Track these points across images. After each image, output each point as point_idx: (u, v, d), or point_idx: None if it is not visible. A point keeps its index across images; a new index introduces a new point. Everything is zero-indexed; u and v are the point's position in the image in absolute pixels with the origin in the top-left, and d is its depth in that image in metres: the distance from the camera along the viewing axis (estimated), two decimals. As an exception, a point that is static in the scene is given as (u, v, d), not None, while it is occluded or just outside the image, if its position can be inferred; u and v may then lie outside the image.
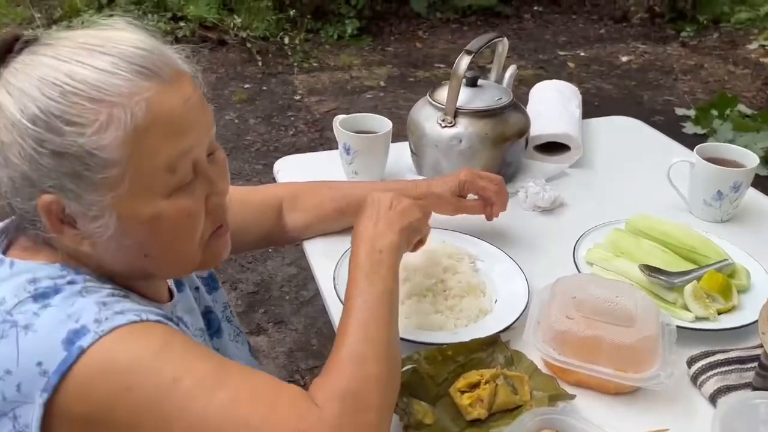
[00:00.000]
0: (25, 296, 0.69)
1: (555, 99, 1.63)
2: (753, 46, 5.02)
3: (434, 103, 1.39)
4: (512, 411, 0.89)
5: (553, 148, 1.52)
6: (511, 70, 1.53)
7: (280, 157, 1.59)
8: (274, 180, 1.51)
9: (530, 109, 1.57)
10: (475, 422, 0.88)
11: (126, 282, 0.77)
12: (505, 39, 1.49)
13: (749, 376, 0.93)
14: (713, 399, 0.91)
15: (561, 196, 1.37)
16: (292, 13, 5.02)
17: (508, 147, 1.38)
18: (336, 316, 1.00)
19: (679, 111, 4.01)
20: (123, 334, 0.67)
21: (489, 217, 1.21)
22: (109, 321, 0.67)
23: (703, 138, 3.56)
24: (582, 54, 5.02)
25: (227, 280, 2.61)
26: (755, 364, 0.92)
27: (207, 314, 0.99)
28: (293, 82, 4.40)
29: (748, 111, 3.82)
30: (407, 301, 1.06)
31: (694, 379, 0.94)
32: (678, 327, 0.97)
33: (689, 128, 3.76)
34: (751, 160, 1.31)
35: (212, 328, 1.00)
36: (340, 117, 1.43)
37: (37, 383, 0.65)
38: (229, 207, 0.83)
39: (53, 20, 4.94)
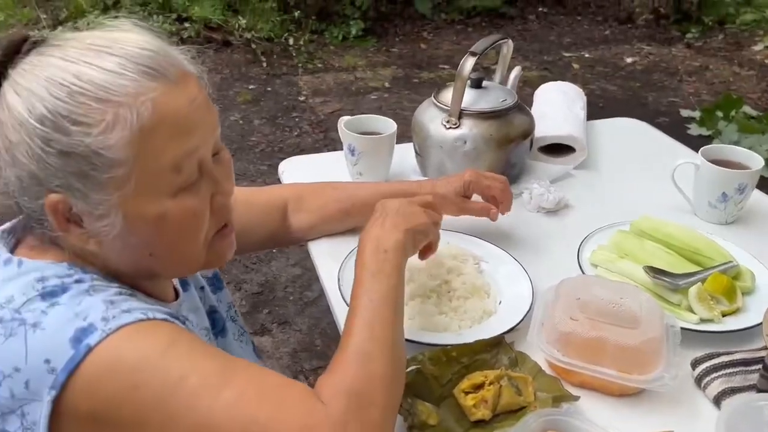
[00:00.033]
0: (34, 294, 0.70)
1: (560, 100, 1.63)
2: (758, 47, 5.01)
3: (439, 104, 1.39)
4: (516, 412, 0.89)
5: (557, 149, 1.52)
6: (516, 71, 1.53)
7: (285, 158, 1.59)
8: (278, 181, 1.51)
9: (535, 110, 1.57)
10: (479, 423, 0.88)
11: (132, 281, 0.78)
12: (510, 40, 1.49)
13: (754, 378, 0.93)
14: (717, 401, 0.91)
15: (565, 198, 1.37)
16: (296, 14, 5.03)
17: (512, 148, 1.38)
18: (340, 317, 1.01)
19: (684, 112, 4.01)
20: (130, 332, 0.68)
21: (493, 218, 1.21)
22: (116, 319, 0.68)
23: (708, 140, 3.56)
24: (587, 55, 5.02)
25: (232, 280, 2.61)
26: (760, 366, 0.92)
27: (212, 313, 1.00)
28: (298, 83, 4.41)
29: (754, 112, 3.81)
30: (411, 302, 1.06)
31: (699, 380, 0.94)
32: (682, 329, 0.97)
33: (694, 130, 3.76)
34: (756, 161, 1.31)
35: (217, 327, 1.00)
36: (345, 118, 1.43)
37: (45, 381, 0.66)
38: (233, 208, 0.83)
39: (59, 21, 4.96)
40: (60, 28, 0.76)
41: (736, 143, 3.23)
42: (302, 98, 4.20)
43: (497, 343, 0.97)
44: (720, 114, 3.74)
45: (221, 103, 3.98)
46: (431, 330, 1.02)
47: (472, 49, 1.34)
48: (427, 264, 1.12)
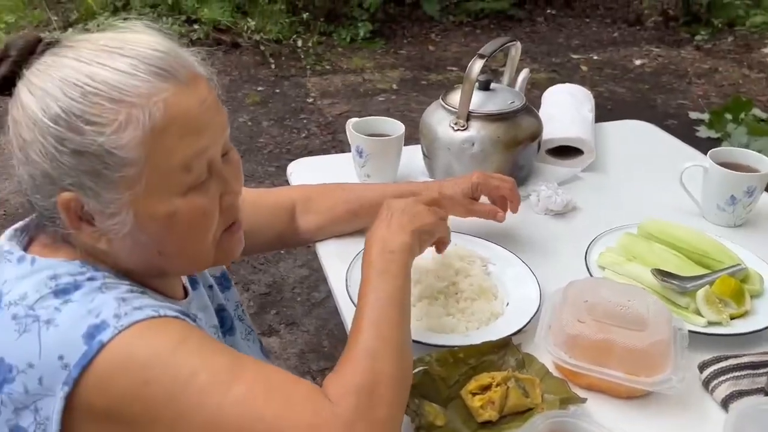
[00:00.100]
0: (47, 292, 0.71)
1: (568, 102, 1.63)
2: (768, 50, 4.99)
3: (447, 106, 1.39)
4: (523, 413, 0.89)
5: (565, 151, 1.52)
6: (524, 73, 1.53)
7: (293, 160, 1.60)
8: (286, 182, 1.52)
9: (543, 112, 1.57)
10: (486, 424, 0.88)
11: (142, 279, 0.79)
12: (518, 42, 1.49)
13: (762, 382, 0.93)
14: (725, 404, 0.91)
15: (573, 200, 1.37)
16: (305, 16, 5.04)
17: (520, 150, 1.38)
18: (348, 318, 1.01)
19: (693, 115, 3.99)
20: (142, 329, 0.69)
21: (500, 221, 1.21)
22: (128, 316, 0.69)
23: (717, 142, 3.54)
24: (595, 57, 5.01)
25: (240, 281, 2.62)
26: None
27: (220, 312, 1.01)
28: (306, 85, 4.42)
29: (763, 115, 3.79)
30: (419, 304, 1.07)
31: (706, 383, 0.94)
32: (690, 332, 0.97)
33: (703, 132, 3.74)
34: (765, 164, 1.30)
35: (225, 325, 1.01)
36: (353, 120, 1.44)
37: (59, 376, 0.67)
38: (242, 208, 0.84)
39: (69, 23, 5.00)
40: (70, 29, 0.77)
41: (746, 146, 3.21)
42: (310, 100, 4.21)
43: (504, 344, 0.97)
44: (729, 116, 3.72)
45: (230, 105, 4.00)
46: (438, 331, 1.02)
47: (481, 51, 1.34)
48: (435, 266, 1.13)
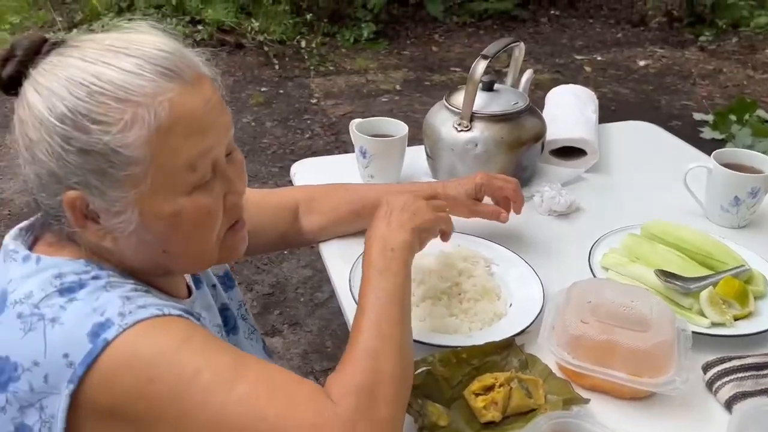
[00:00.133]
0: (52, 290, 0.71)
1: (571, 103, 1.63)
2: (772, 50, 4.98)
3: (450, 107, 1.39)
4: (526, 414, 0.89)
5: (569, 152, 1.52)
6: (528, 74, 1.53)
7: (296, 160, 1.60)
8: (290, 183, 1.52)
9: (546, 113, 1.57)
10: (490, 425, 0.88)
11: (146, 278, 0.79)
12: (522, 43, 1.49)
13: (765, 383, 0.93)
14: (729, 405, 0.91)
15: (577, 201, 1.37)
16: (309, 17, 5.05)
17: (524, 151, 1.38)
18: (351, 318, 1.01)
19: (697, 116, 3.98)
20: (146, 327, 0.69)
21: (503, 221, 1.21)
22: (132, 314, 0.69)
23: (721, 143, 3.54)
24: (599, 58, 5.00)
25: (243, 281, 2.63)
26: (772, 370, 0.92)
27: (223, 311, 1.01)
28: (310, 86, 4.42)
29: (767, 116, 3.79)
30: (422, 304, 1.07)
31: (710, 385, 0.94)
32: (694, 333, 0.97)
33: (707, 133, 3.74)
34: (770, 165, 1.30)
35: (229, 324, 1.02)
36: (357, 121, 1.44)
37: (64, 374, 0.67)
38: (245, 208, 0.85)
39: (74, 24, 5.01)
40: (75, 30, 0.78)
41: (750, 147, 3.20)
42: (314, 101, 4.22)
43: (508, 345, 0.97)
44: (733, 118, 3.71)
45: (234, 106, 4.00)
46: (442, 332, 1.02)
47: (484, 52, 1.34)
48: (438, 266, 1.13)
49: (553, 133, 1.49)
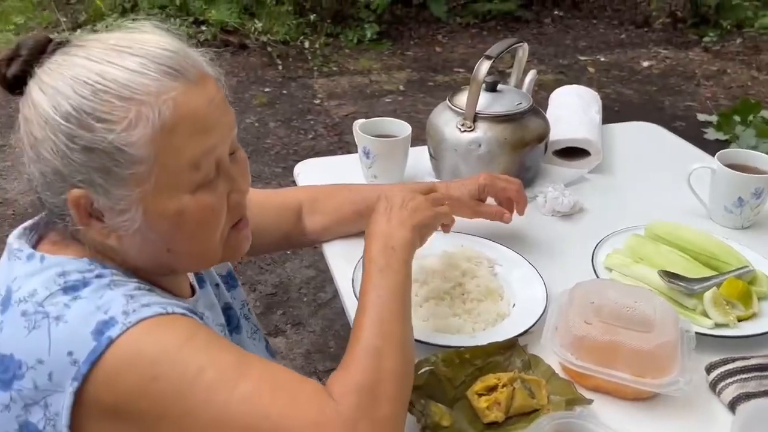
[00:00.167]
0: (56, 289, 0.71)
1: (575, 104, 1.63)
2: (777, 51, 4.97)
3: (454, 107, 1.40)
4: (529, 414, 0.89)
5: (572, 153, 1.52)
6: (531, 75, 1.53)
7: (300, 161, 1.60)
8: (293, 183, 1.52)
9: (550, 114, 1.57)
10: (492, 425, 0.88)
11: (150, 277, 0.80)
12: (525, 44, 1.49)
13: (769, 384, 0.93)
14: (732, 406, 0.91)
15: (580, 201, 1.37)
16: (312, 17, 5.05)
17: (527, 152, 1.38)
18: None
19: (701, 117, 3.98)
20: (150, 325, 0.69)
21: (506, 222, 1.21)
22: (136, 313, 0.70)
23: (725, 144, 3.53)
24: (602, 59, 5.00)
25: (246, 281, 2.63)
26: (775, 371, 0.92)
27: (227, 310, 1.02)
28: (313, 86, 4.43)
29: (772, 117, 3.78)
30: (425, 304, 1.07)
31: (713, 385, 0.94)
32: (697, 333, 0.97)
33: (711, 134, 3.73)
34: (774, 166, 1.30)
35: (232, 324, 1.02)
36: (360, 121, 1.44)
37: (68, 372, 0.67)
38: (248, 208, 0.85)
39: (78, 24, 5.03)
40: (79, 30, 0.78)
41: (754, 148, 3.18)
42: (317, 101, 4.22)
43: (511, 345, 0.97)
44: (737, 118, 3.70)
45: (237, 106, 3.99)
46: (445, 332, 1.02)
47: (488, 52, 1.34)
48: (442, 267, 1.13)
49: (556, 134, 1.49)
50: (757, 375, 0.94)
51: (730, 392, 0.92)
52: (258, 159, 3.48)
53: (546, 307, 1.05)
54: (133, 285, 0.75)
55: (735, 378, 0.93)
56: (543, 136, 1.41)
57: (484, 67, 1.32)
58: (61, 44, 0.75)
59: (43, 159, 0.72)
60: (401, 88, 4.44)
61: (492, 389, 0.89)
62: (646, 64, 4.90)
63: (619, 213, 1.34)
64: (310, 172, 1.52)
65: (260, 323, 1.14)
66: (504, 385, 0.89)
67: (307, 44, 4.93)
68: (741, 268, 1.11)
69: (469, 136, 1.36)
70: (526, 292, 1.10)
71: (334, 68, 4.72)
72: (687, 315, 1.04)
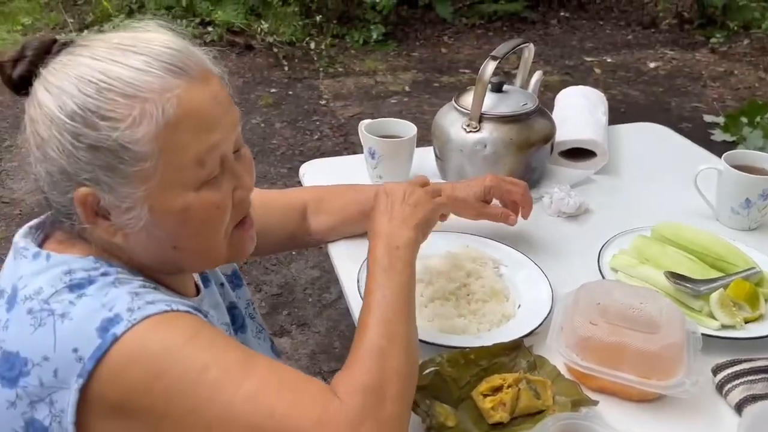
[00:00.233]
0: (61, 286, 0.72)
1: (581, 105, 1.63)
2: (784, 52, 4.94)
3: (459, 108, 1.39)
4: (534, 415, 0.88)
5: (578, 154, 1.51)
6: (537, 75, 1.53)
7: (305, 161, 1.61)
8: (299, 183, 1.52)
9: (556, 114, 1.57)
10: (497, 426, 0.88)
11: (155, 276, 0.80)
12: (531, 45, 1.49)
13: (776, 386, 0.92)
14: (739, 408, 0.90)
15: (586, 202, 1.37)
16: (318, 18, 5.05)
17: (533, 152, 1.38)
18: (359, 319, 1.01)
19: (708, 118, 3.96)
20: (154, 323, 0.70)
21: (512, 224, 1.21)
22: (141, 310, 0.70)
23: (732, 146, 3.51)
24: (609, 60, 4.98)
25: (251, 281, 2.63)
26: (782, 373, 0.91)
27: (231, 309, 1.02)
28: (319, 87, 4.43)
29: (779, 118, 3.76)
30: (430, 305, 1.07)
31: (720, 387, 0.94)
32: (703, 335, 0.97)
33: (718, 135, 3.71)
34: (781, 167, 1.29)
35: (237, 323, 1.02)
36: (366, 122, 1.44)
37: (73, 369, 0.68)
38: (253, 208, 0.85)
39: (85, 25, 5.05)
40: (86, 31, 0.79)
41: (761, 149, 3.18)
42: (323, 102, 4.22)
43: (516, 346, 0.97)
44: (745, 120, 3.69)
45: (243, 107, 4.02)
46: (450, 332, 1.02)
47: (493, 53, 1.34)
48: (447, 267, 1.13)
49: (562, 135, 1.49)
50: (764, 377, 0.93)
51: (737, 394, 0.91)
52: (264, 159, 3.49)
53: (551, 307, 1.04)
54: (138, 283, 0.75)
55: (742, 380, 0.93)
56: (549, 136, 1.41)
57: (489, 67, 1.32)
58: (66, 44, 0.76)
59: (50, 158, 0.72)
60: (407, 89, 4.44)
61: (497, 390, 0.89)
62: (652, 65, 4.88)
63: (625, 214, 1.34)
64: (316, 173, 1.53)
65: (265, 323, 1.14)
66: (509, 386, 0.89)
67: (312, 45, 4.93)
68: (748, 269, 1.10)
69: (474, 136, 1.35)
70: (532, 292, 1.10)
71: (340, 69, 4.72)
72: (693, 316, 1.04)
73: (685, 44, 5.25)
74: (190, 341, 0.70)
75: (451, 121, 1.40)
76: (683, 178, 1.36)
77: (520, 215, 1.22)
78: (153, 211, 0.74)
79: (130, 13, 4.90)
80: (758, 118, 3.67)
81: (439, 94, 4.29)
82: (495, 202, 1.22)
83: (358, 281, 1.09)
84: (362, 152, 1.44)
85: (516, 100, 1.40)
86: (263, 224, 0.98)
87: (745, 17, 5.32)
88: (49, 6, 5.50)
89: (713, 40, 5.19)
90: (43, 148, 0.72)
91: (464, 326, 1.03)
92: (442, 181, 1.43)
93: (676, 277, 1.08)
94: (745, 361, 0.96)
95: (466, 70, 4.73)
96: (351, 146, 3.60)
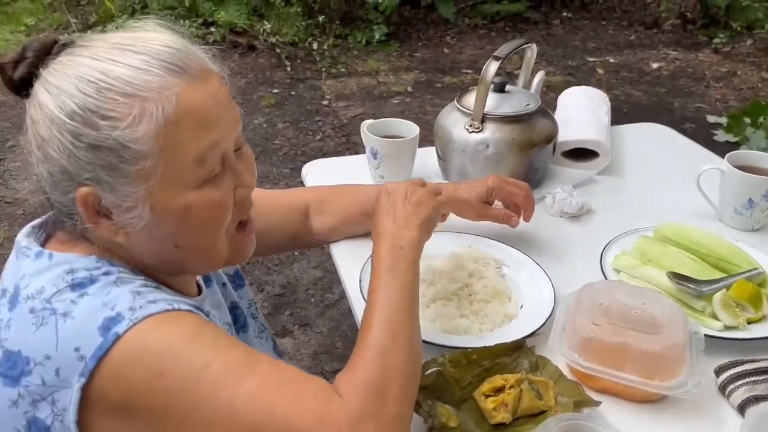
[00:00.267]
0: (63, 286, 0.72)
1: (584, 105, 1.62)
2: (788, 53, 4.93)
3: (462, 108, 1.39)
4: (536, 416, 0.88)
5: (581, 154, 1.51)
6: (540, 76, 1.53)
7: (307, 161, 1.61)
8: (301, 184, 1.52)
9: (558, 115, 1.57)
10: (499, 426, 0.88)
11: (157, 275, 0.80)
12: (534, 45, 1.49)
13: (779, 387, 0.92)
14: (742, 409, 0.90)
15: (588, 203, 1.36)
16: (321, 19, 5.06)
17: (535, 153, 1.38)
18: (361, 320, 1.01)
19: (711, 119, 3.95)
20: (156, 321, 0.70)
21: (513, 226, 1.21)
22: (142, 309, 0.70)
23: (735, 146, 3.51)
24: (611, 60, 4.98)
25: (254, 282, 2.64)
26: (785, 374, 0.91)
27: (233, 309, 1.02)
28: (321, 88, 4.43)
29: (782, 119, 3.75)
30: (432, 305, 1.07)
31: (722, 388, 0.93)
32: (706, 336, 0.96)
33: (721, 136, 3.71)
34: (784, 168, 1.29)
35: (239, 323, 1.02)
36: (368, 122, 1.44)
37: (75, 368, 0.68)
38: (256, 208, 0.85)
39: (88, 25, 5.06)
40: (89, 31, 0.79)
41: (764, 150, 3.18)
42: (325, 102, 4.23)
43: (518, 347, 0.97)
44: (748, 120, 3.68)
45: (246, 107, 4.02)
46: (452, 333, 1.02)
47: (496, 53, 1.34)
48: (449, 267, 1.13)
49: (565, 135, 1.49)
50: (766, 378, 0.93)
51: (740, 395, 0.91)
52: (266, 160, 3.49)
53: (554, 308, 1.04)
54: (140, 282, 0.75)
55: (744, 381, 0.93)
56: (551, 137, 1.41)
57: (492, 67, 1.31)
58: (66, 45, 0.76)
59: (51, 158, 0.72)
60: (409, 89, 4.44)
61: (499, 390, 0.89)
62: (655, 65, 4.88)
63: (627, 214, 1.34)
64: (318, 173, 1.53)
65: (267, 324, 1.14)
66: (511, 387, 0.89)
67: (315, 45, 4.93)
68: (751, 270, 1.10)
69: (477, 136, 1.35)
70: (534, 293, 1.10)
71: (343, 69, 4.72)
72: (696, 317, 1.04)
73: (688, 44, 5.24)
74: (191, 340, 0.70)
75: (454, 121, 1.39)
76: (686, 178, 1.36)
77: (522, 217, 1.22)
78: (154, 210, 0.74)
79: (133, 14, 4.91)
80: (761, 119, 3.66)
81: (442, 94, 4.29)
82: (497, 203, 1.22)
83: (360, 281, 1.09)
84: (364, 152, 1.44)
85: (518, 100, 1.40)
86: (265, 224, 0.99)
87: (748, 17, 5.31)
88: (52, 6, 5.51)
89: (716, 40, 5.18)
90: (44, 148, 0.73)
91: (466, 326, 1.03)
92: (445, 181, 1.43)
93: (678, 277, 1.08)
94: (748, 361, 0.95)
95: (469, 71, 4.73)
96: (353, 146, 3.60)
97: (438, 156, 1.46)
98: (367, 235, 1.22)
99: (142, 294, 0.72)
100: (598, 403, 0.89)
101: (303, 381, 0.72)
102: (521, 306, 1.08)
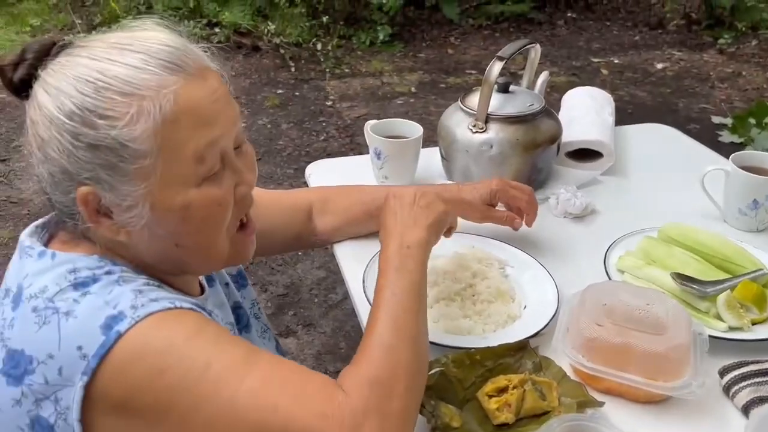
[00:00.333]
0: (66, 285, 0.72)
1: (588, 105, 1.62)
2: (793, 53, 4.92)
3: (465, 108, 1.39)
4: (540, 417, 0.88)
5: (585, 154, 1.51)
6: (544, 76, 1.53)
7: (311, 162, 1.61)
8: (305, 184, 1.53)
9: (562, 115, 1.57)
10: (503, 427, 0.88)
11: (159, 275, 0.80)
12: (538, 45, 1.49)
13: (784, 388, 0.92)
14: (746, 410, 0.90)
15: (592, 203, 1.36)
16: (325, 19, 5.06)
17: (539, 153, 1.38)
18: (365, 319, 1.00)
19: (716, 119, 3.94)
20: (158, 320, 0.70)
21: (516, 228, 1.21)
22: (144, 307, 0.70)
23: (739, 147, 3.49)
24: (616, 61, 4.97)
25: (257, 282, 2.64)
26: (790, 375, 0.91)
27: (236, 309, 1.02)
28: (325, 88, 4.44)
29: (788, 120, 3.74)
30: (436, 305, 1.07)
31: (727, 389, 0.93)
32: (711, 336, 0.96)
33: (726, 137, 3.70)
34: (789, 169, 1.29)
35: (241, 322, 1.02)
36: (372, 122, 1.44)
37: (78, 367, 0.68)
38: (259, 209, 0.86)
39: (93, 26, 5.07)
40: (94, 32, 0.79)
41: (769, 151, 3.16)
42: (329, 103, 4.23)
43: (521, 347, 0.97)
44: (753, 121, 3.67)
45: (249, 108, 4.02)
46: (455, 333, 1.02)
47: (500, 53, 1.34)
48: (452, 268, 1.12)
49: (569, 135, 1.48)
50: (771, 379, 0.93)
51: (744, 396, 0.91)
52: (270, 160, 3.50)
53: (557, 308, 1.04)
54: (142, 281, 0.75)
55: (749, 382, 0.92)
56: (555, 137, 1.40)
57: (496, 68, 1.31)
58: (65, 46, 0.76)
59: (51, 159, 0.73)
60: (413, 89, 4.44)
61: (502, 391, 0.89)
62: (660, 66, 4.86)
63: (631, 215, 1.33)
64: (322, 173, 1.53)
65: (271, 324, 1.14)
66: (515, 387, 0.88)
67: (319, 46, 4.93)
68: (755, 270, 1.10)
69: (480, 137, 1.35)
70: (538, 293, 1.09)
71: (347, 70, 4.73)
72: (700, 318, 1.03)
73: (693, 45, 5.23)
74: (193, 338, 0.70)
75: (457, 121, 1.39)
76: (690, 179, 1.36)
77: (524, 222, 1.22)
78: (154, 209, 0.74)
79: (138, 15, 4.92)
80: (766, 120, 3.65)
81: (446, 94, 4.29)
82: (501, 205, 1.22)
83: (363, 282, 1.09)
84: (368, 153, 1.44)
85: (522, 100, 1.40)
86: (269, 224, 0.99)
87: (753, 18, 5.29)
88: (57, 7, 5.53)
89: (721, 41, 5.17)
90: (44, 149, 0.73)
91: (470, 327, 1.03)
92: (448, 182, 1.43)
93: (682, 278, 1.08)
94: (753, 362, 0.95)
95: (473, 71, 4.73)
96: (357, 147, 3.61)
97: (442, 156, 1.45)
98: (370, 235, 1.22)
99: (144, 292, 0.72)
100: (601, 404, 0.89)
101: (306, 377, 0.72)
102: (525, 306, 1.08)
